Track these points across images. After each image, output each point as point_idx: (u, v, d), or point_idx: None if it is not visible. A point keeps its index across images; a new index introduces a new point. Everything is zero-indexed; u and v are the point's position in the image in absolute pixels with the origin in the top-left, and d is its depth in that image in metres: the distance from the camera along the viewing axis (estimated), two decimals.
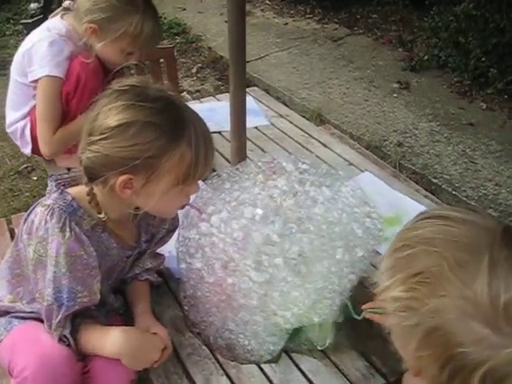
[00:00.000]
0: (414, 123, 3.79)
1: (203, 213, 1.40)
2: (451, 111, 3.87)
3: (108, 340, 1.29)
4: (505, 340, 0.70)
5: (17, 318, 1.38)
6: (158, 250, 1.59)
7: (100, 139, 1.20)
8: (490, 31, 3.70)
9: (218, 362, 1.40)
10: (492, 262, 0.73)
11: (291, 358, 1.41)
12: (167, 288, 1.62)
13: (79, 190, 1.31)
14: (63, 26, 2.02)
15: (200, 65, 4.57)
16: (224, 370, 1.38)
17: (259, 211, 1.26)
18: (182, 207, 1.38)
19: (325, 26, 5.18)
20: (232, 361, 1.40)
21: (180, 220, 1.53)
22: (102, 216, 1.31)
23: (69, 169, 2.18)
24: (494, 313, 0.71)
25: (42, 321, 1.35)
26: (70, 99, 2.00)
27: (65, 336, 1.28)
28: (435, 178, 3.26)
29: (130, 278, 1.53)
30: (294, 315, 1.27)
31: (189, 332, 1.48)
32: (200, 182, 1.34)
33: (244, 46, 1.80)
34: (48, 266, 1.24)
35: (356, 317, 1.33)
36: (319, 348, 1.38)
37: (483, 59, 3.84)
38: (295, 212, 1.26)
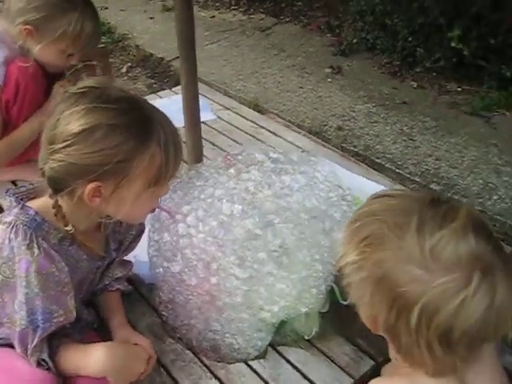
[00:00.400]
0: (350, 106, 3.85)
1: (174, 215, 1.35)
2: (385, 92, 3.96)
3: (91, 358, 1.23)
4: (433, 276, 0.87)
5: None
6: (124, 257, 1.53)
7: (63, 147, 1.12)
8: (414, 12, 3.79)
9: (205, 364, 1.37)
10: (420, 220, 0.92)
11: (278, 352, 1.39)
12: (139, 295, 1.57)
13: (41, 203, 1.23)
14: None
15: (129, 64, 4.44)
16: (212, 372, 1.35)
17: (237, 206, 1.23)
18: (152, 211, 1.32)
19: (251, 16, 5.17)
20: (219, 362, 1.37)
21: (149, 223, 1.47)
22: (69, 228, 1.23)
23: (13, 182, 2.06)
24: (423, 256, 0.88)
25: (10, 346, 1.26)
26: (10, 107, 1.88)
27: (43, 360, 1.19)
28: (378, 158, 3.32)
29: (100, 290, 1.47)
30: (282, 308, 1.25)
31: (169, 338, 1.43)
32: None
33: (193, 42, 1.75)
34: (18, 288, 1.15)
35: (343, 302, 1.32)
36: (306, 337, 1.37)
37: (410, 39, 3.95)
38: (273, 203, 1.24)
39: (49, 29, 1.81)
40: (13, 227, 1.16)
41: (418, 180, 3.15)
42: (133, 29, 4.92)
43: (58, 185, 1.16)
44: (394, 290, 0.90)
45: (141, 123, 1.15)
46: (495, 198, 3.00)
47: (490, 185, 3.09)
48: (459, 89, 3.86)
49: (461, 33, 3.59)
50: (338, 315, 1.43)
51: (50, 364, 1.21)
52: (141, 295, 1.56)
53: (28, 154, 1.95)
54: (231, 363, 1.35)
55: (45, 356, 1.20)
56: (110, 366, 1.22)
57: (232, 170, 1.33)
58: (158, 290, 1.43)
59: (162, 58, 4.48)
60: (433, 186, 3.09)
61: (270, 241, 1.22)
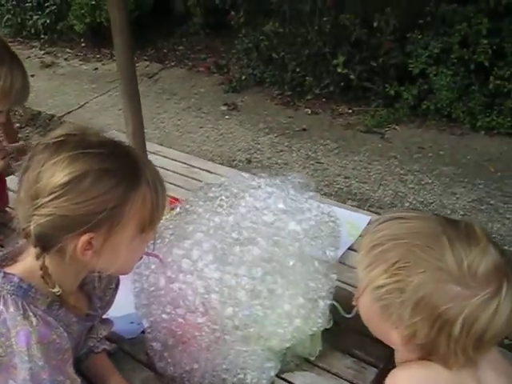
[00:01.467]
0: (253, 139, 3.97)
1: (162, 259, 1.31)
2: (282, 121, 4.13)
3: None
4: (472, 292, 0.94)
5: None
6: None
7: (51, 199, 1.02)
8: (299, 44, 4.03)
9: None
10: (450, 241, 0.97)
11: (284, 379, 1.38)
12: (122, 352, 1.48)
13: (23, 267, 1.13)
14: None
15: (18, 125, 4.23)
16: None
17: (245, 233, 1.23)
18: (140, 259, 1.27)
19: (136, 64, 5.15)
20: None
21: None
22: (56, 290, 1.13)
23: None
24: (462, 274, 0.95)
25: None
26: None
27: None
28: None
29: (85, 354, 1.37)
30: (291, 331, 1.26)
31: None
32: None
33: (136, 87, 1.73)
34: (19, 365, 1.03)
35: (347, 315, 1.35)
36: (312, 358, 1.38)
37: (298, 70, 4.18)
38: (274, 228, 1.26)
39: None
40: (0, 299, 1.06)
41: (334, 200, 3.31)
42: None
43: (47, 242, 1.06)
44: (435, 310, 0.94)
45: (129, 165, 1.11)
46: (407, 204, 3.23)
47: (399, 194, 3.33)
48: (350, 110, 4.14)
49: (345, 59, 3.87)
50: (330, 331, 1.45)
51: None
52: (125, 352, 1.47)
53: None
54: None
55: None
56: None
57: (220, 200, 1.32)
58: (149, 341, 1.37)
59: (53, 115, 4.33)
60: (349, 202, 3.26)
61: (271, 262, 1.23)
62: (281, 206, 1.35)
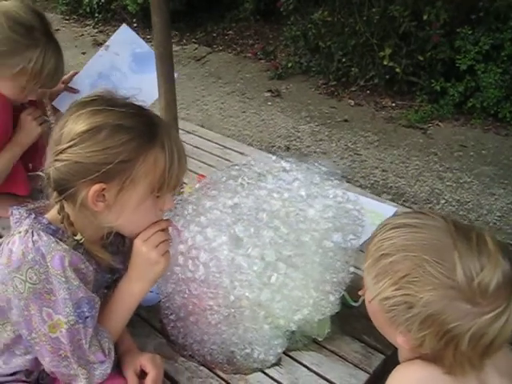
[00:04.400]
0: (294, 127, 3.98)
1: (181, 232, 1.35)
2: (325, 111, 4.12)
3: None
4: (482, 309, 0.94)
5: None
6: None
7: (69, 146, 1.12)
8: (347, 34, 4.00)
9: (222, 378, 1.36)
10: (460, 256, 0.96)
11: (291, 357, 1.41)
12: (139, 318, 1.54)
13: (51, 214, 1.21)
14: None
15: None
16: None
17: (262, 215, 1.25)
18: None
19: (184, 47, 5.24)
20: (235, 373, 1.37)
21: None
22: (78, 238, 1.21)
23: None
24: (472, 292, 0.94)
25: (24, 382, 1.22)
26: None
27: (108, 348, 1.20)
28: None
29: None
30: (300, 316, 1.28)
31: (180, 356, 1.42)
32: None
33: (172, 62, 1.78)
34: (57, 286, 1.12)
35: (354, 304, 1.37)
36: (320, 339, 1.40)
37: (344, 60, 4.15)
38: (293, 211, 1.28)
39: (7, 64, 1.77)
40: (32, 232, 1.13)
41: (369, 192, 3.30)
42: (65, 64, 4.86)
43: (62, 186, 1.15)
44: (444, 326, 0.95)
45: (146, 126, 1.17)
46: (442, 202, 3.19)
47: (436, 190, 3.29)
48: (393, 104, 4.09)
49: (391, 51, 3.83)
50: (340, 316, 1.47)
51: (113, 350, 1.21)
52: (141, 318, 1.53)
53: (3, 188, 1.89)
54: (248, 374, 1.36)
55: (107, 342, 1.20)
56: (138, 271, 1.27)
57: (242, 180, 1.35)
58: (165, 310, 1.42)
59: None
60: (384, 196, 3.24)
61: (289, 249, 1.24)
62: (302, 191, 1.36)
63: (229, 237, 1.23)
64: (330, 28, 4.06)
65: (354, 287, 1.37)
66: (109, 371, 1.20)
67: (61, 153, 1.13)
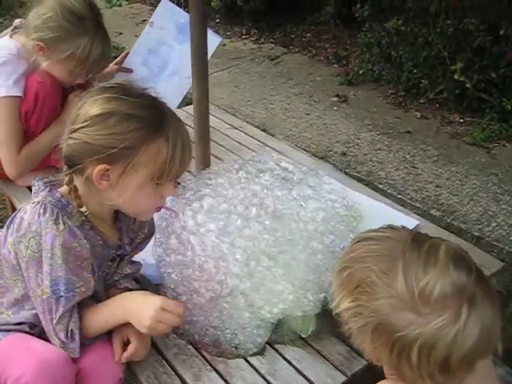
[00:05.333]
0: (355, 133, 3.96)
1: (178, 214, 1.43)
2: (389, 121, 4.07)
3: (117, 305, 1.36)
4: (426, 319, 0.94)
5: (0, 331, 1.37)
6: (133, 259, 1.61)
7: (82, 127, 1.25)
8: (419, 45, 3.93)
9: (206, 358, 1.43)
10: (405, 265, 0.98)
11: (275, 349, 1.46)
12: None
13: (64, 189, 1.35)
14: (13, 46, 2.01)
15: None
16: (212, 365, 1.41)
17: (251, 208, 1.31)
18: (158, 209, 1.41)
19: (261, 45, 5.33)
20: (219, 356, 1.43)
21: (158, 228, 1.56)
22: (84, 210, 1.33)
23: (29, 188, 2.16)
24: (414, 302, 0.95)
25: (28, 333, 1.35)
26: (29, 117, 1.99)
27: (71, 331, 1.29)
28: (380, 183, 3.42)
29: (109, 286, 1.54)
30: (280, 310, 1.32)
31: (172, 333, 1.50)
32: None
33: (205, 57, 1.86)
34: (44, 260, 1.26)
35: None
36: (303, 336, 1.44)
37: (415, 71, 4.07)
38: (283, 209, 1.32)
39: (58, 49, 1.94)
40: (42, 205, 1.27)
41: (418, 206, 3.24)
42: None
43: (71, 161, 1.28)
44: (392, 336, 0.96)
45: (154, 118, 1.27)
46: (494, 224, 3.07)
47: (489, 212, 3.17)
48: (461, 120, 3.97)
49: (463, 65, 3.72)
50: (331, 317, 1.49)
51: (77, 335, 1.30)
52: None
53: (46, 162, 2.06)
54: (230, 358, 1.42)
55: (72, 326, 1.29)
56: (130, 308, 1.33)
57: (242, 173, 1.42)
58: (163, 287, 1.51)
59: None
60: (433, 211, 3.17)
61: (273, 244, 1.29)
62: (294, 191, 1.40)
63: (217, 225, 1.29)
64: (403, 37, 4.00)
65: None
66: (76, 352, 1.31)
67: (74, 131, 1.26)
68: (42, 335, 1.40)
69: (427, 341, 0.94)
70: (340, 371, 1.39)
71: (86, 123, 1.25)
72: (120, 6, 6.43)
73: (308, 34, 5.38)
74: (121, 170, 1.26)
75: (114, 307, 1.37)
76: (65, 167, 1.31)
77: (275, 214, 1.33)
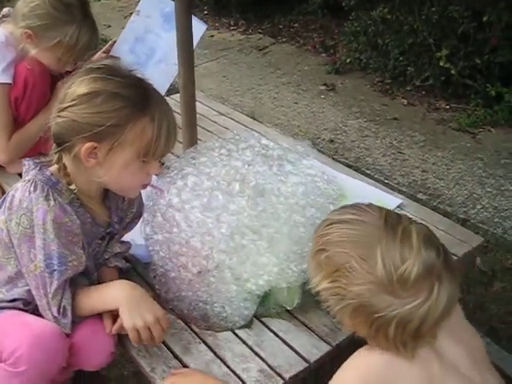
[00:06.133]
0: (342, 121, 4.01)
1: (163, 191, 1.47)
2: (376, 108, 4.12)
3: (112, 290, 1.38)
4: (404, 300, 1.04)
5: None
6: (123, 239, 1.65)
7: (69, 106, 1.29)
8: (405, 33, 3.97)
9: (194, 332, 1.47)
10: (382, 252, 1.05)
11: (262, 322, 1.50)
12: (135, 273, 1.67)
13: (55, 167, 1.38)
14: (1, 34, 2.03)
15: None
16: (201, 338, 1.45)
17: (234, 183, 1.35)
18: (144, 187, 1.44)
19: (249, 36, 5.36)
20: (207, 330, 1.47)
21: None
22: (72, 187, 1.37)
23: (20, 175, 2.19)
24: (392, 285, 1.04)
25: (21, 310, 1.38)
26: (18, 104, 2.02)
27: (64, 307, 1.32)
28: (367, 169, 3.47)
29: (99, 265, 1.58)
30: (265, 281, 1.36)
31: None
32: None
33: (191, 44, 1.90)
34: (36, 235, 1.29)
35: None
36: (289, 308, 1.48)
37: (401, 59, 4.12)
38: (264, 184, 1.36)
39: (46, 37, 1.97)
40: (32, 183, 1.31)
41: (405, 190, 3.29)
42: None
43: (60, 139, 1.32)
44: (371, 315, 1.06)
45: (140, 97, 1.31)
46: (479, 207, 3.14)
47: (474, 195, 3.23)
48: (447, 106, 4.03)
49: (448, 52, 3.77)
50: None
51: (69, 311, 1.33)
52: (137, 273, 1.67)
53: (37, 148, 2.08)
54: (219, 331, 1.46)
55: (65, 302, 1.32)
56: (125, 299, 1.34)
57: (224, 151, 1.46)
58: (152, 265, 1.54)
59: None
60: (419, 195, 3.23)
61: (256, 219, 1.33)
62: (275, 167, 1.44)
63: (201, 201, 1.33)
64: (389, 25, 4.05)
65: None
66: (68, 328, 1.34)
67: (62, 110, 1.30)
68: (35, 312, 1.43)
69: (404, 318, 1.04)
70: (325, 341, 1.44)
71: (73, 102, 1.28)
72: None
73: (296, 25, 5.41)
74: (108, 148, 1.29)
75: (108, 294, 1.39)
76: (54, 145, 1.35)
77: (257, 189, 1.37)
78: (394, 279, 1.04)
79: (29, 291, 1.39)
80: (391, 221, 1.11)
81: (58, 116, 1.30)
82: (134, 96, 1.30)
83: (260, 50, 5.06)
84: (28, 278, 1.35)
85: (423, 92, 4.17)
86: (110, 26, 5.58)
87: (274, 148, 1.52)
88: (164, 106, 1.36)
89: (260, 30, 5.41)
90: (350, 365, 1.15)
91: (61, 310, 1.33)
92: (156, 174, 1.45)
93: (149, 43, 2.35)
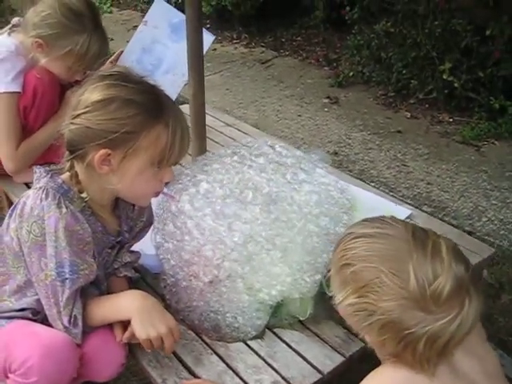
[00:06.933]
0: (346, 134, 4.01)
1: (176, 199, 1.46)
2: (379, 121, 4.13)
3: (124, 300, 1.36)
4: (435, 317, 1.01)
5: (3, 318, 1.38)
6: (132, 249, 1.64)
7: (83, 113, 1.28)
8: (408, 46, 3.99)
9: (206, 342, 1.45)
10: (414, 267, 1.02)
11: (274, 333, 1.48)
12: (145, 283, 1.66)
13: (66, 175, 1.37)
14: (11, 43, 2.03)
15: None
16: (212, 349, 1.43)
17: (247, 191, 1.34)
18: (156, 194, 1.43)
19: (252, 49, 5.39)
20: (219, 341, 1.45)
21: (156, 217, 1.59)
22: (84, 195, 1.36)
23: (27, 184, 2.18)
24: (425, 301, 1.01)
25: (30, 319, 1.37)
26: (27, 113, 2.02)
27: (74, 317, 1.30)
28: (372, 181, 3.46)
29: (109, 274, 1.56)
30: (278, 292, 1.35)
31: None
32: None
33: (201, 53, 1.90)
34: (48, 243, 1.27)
35: (328, 293, 1.42)
36: (301, 319, 1.46)
37: (404, 72, 4.14)
38: (278, 192, 1.35)
39: (57, 46, 1.97)
40: (44, 190, 1.29)
41: (410, 202, 3.28)
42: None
43: (73, 146, 1.30)
44: (401, 332, 1.02)
45: (154, 104, 1.30)
46: (484, 219, 3.13)
47: (479, 207, 3.22)
48: (450, 119, 4.03)
49: (452, 66, 3.79)
50: (328, 302, 1.52)
51: (79, 321, 1.31)
52: (147, 283, 1.65)
53: (45, 158, 2.08)
54: (230, 342, 1.44)
55: (76, 312, 1.30)
56: (137, 309, 1.32)
57: (236, 158, 1.45)
58: (163, 275, 1.53)
59: None
60: (424, 207, 3.21)
61: (270, 227, 1.32)
62: (288, 175, 1.43)
63: (213, 209, 1.32)
64: (392, 39, 4.07)
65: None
66: (78, 338, 1.32)
67: (76, 117, 1.29)
68: (44, 322, 1.41)
69: (434, 334, 1.01)
70: (338, 352, 1.42)
71: (87, 109, 1.27)
72: (111, 12, 6.47)
73: (298, 38, 5.44)
74: (122, 155, 1.28)
75: (119, 304, 1.37)
76: (66, 153, 1.34)
77: (270, 198, 1.36)
78: (427, 295, 1.01)
79: (38, 300, 1.37)
80: (419, 235, 1.08)
81: (72, 123, 1.30)
82: (148, 102, 1.29)
83: (263, 63, 5.08)
84: (38, 287, 1.33)
85: (426, 105, 4.18)
86: (113, 39, 5.59)
87: (288, 156, 1.52)
88: (177, 113, 1.35)
89: (262, 44, 5.43)
90: (375, 380, 1.13)
91: (71, 319, 1.32)
92: (166, 183, 1.44)
93: (156, 53, 2.35)
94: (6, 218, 1.37)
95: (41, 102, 2.00)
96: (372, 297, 1.04)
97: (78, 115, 1.29)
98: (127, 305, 1.35)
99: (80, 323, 1.32)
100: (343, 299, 1.10)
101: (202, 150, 2.05)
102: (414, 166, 3.61)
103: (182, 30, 2.17)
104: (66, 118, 1.34)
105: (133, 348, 1.41)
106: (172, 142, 1.30)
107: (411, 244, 1.06)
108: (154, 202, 1.55)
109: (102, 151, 1.27)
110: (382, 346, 1.10)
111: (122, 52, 2.38)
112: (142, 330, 1.31)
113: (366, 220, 1.18)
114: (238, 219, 1.31)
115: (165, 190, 1.46)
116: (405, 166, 3.63)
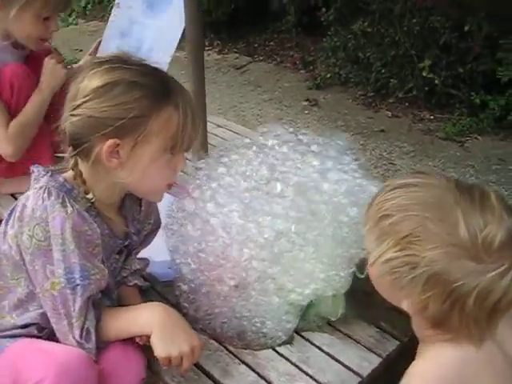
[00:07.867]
0: (329, 135, 3.96)
1: (191, 192, 1.35)
2: (361, 121, 4.09)
3: (144, 312, 1.23)
4: (487, 267, 0.91)
5: (5, 337, 1.24)
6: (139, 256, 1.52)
7: (84, 102, 1.15)
8: (386, 45, 3.98)
9: (231, 352, 1.35)
10: (463, 214, 0.93)
11: (303, 337, 1.39)
12: (155, 292, 1.55)
13: (68, 174, 1.25)
14: None
15: None
16: (239, 358, 1.33)
17: (277, 184, 1.24)
18: (169, 186, 1.31)
19: (225, 56, 5.31)
20: (245, 349, 1.35)
21: (164, 220, 1.47)
22: (89, 196, 1.23)
23: (13, 195, 2.03)
24: (476, 249, 0.91)
25: (36, 336, 1.24)
26: (10, 107, 1.90)
27: (87, 330, 1.17)
28: None
29: (118, 283, 1.44)
30: (312, 290, 1.25)
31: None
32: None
33: (202, 55, 1.83)
34: (54, 247, 1.14)
35: (360, 276, 1.33)
36: (333, 319, 1.37)
37: (383, 71, 4.12)
38: (306, 182, 1.26)
39: (15, 2, 1.82)
40: (45, 189, 1.16)
41: None
42: None
43: (76, 140, 1.17)
44: (449, 286, 0.92)
45: (161, 85, 1.18)
46: None
47: None
48: (432, 117, 4.03)
49: (431, 63, 3.78)
50: (356, 302, 1.44)
51: (93, 335, 1.17)
52: (156, 292, 1.54)
53: (26, 165, 1.95)
54: (258, 350, 1.33)
55: (88, 324, 1.17)
56: (157, 324, 1.19)
57: (255, 148, 1.35)
58: (178, 282, 1.42)
59: None
60: None
61: (299, 221, 1.22)
62: (315, 162, 1.35)
63: (239, 204, 1.22)
64: (370, 39, 4.05)
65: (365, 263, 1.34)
66: (92, 354, 1.19)
67: (76, 108, 1.16)
68: (50, 338, 1.28)
69: (486, 288, 0.91)
70: (374, 353, 1.33)
71: (88, 97, 1.14)
72: (76, 24, 6.31)
73: (271, 43, 5.39)
74: (131, 144, 1.15)
75: (139, 317, 1.24)
76: (69, 149, 1.21)
77: (299, 189, 1.27)
78: (478, 242, 0.91)
79: (42, 314, 1.23)
80: (463, 184, 1.00)
81: (72, 115, 1.16)
82: (154, 84, 1.18)
83: (237, 68, 5.01)
84: (43, 299, 1.19)
85: (406, 104, 4.17)
86: (81, 50, 5.45)
87: (311, 143, 1.42)
88: (185, 92, 1.24)
89: (235, 50, 5.37)
90: (417, 374, 1.04)
91: (83, 333, 1.18)
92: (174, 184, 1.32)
93: (135, 35, 2.19)
94: (3, 224, 1.23)
95: (19, 93, 1.92)
96: (415, 247, 0.94)
97: (79, 105, 1.16)
98: (147, 318, 1.22)
99: (93, 337, 1.19)
100: (380, 255, 1.00)
101: (204, 149, 1.97)
102: (401, 164, 3.58)
103: (155, 3, 2.03)
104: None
105: (154, 363, 1.29)
106: (184, 124, 1.18)
107: (456, 192, 0.97)
108: (166, 202, 1.44)
109: (110, 141, 1.15)
110: (425, 309, 0.98)
111: (100, 42, 2.24)
112: (163, 347, 1.19)
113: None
114: (266, 214, 1.20)
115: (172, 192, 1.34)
116: (392, 164, 3.59)
